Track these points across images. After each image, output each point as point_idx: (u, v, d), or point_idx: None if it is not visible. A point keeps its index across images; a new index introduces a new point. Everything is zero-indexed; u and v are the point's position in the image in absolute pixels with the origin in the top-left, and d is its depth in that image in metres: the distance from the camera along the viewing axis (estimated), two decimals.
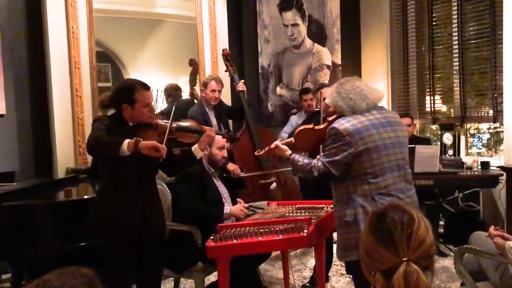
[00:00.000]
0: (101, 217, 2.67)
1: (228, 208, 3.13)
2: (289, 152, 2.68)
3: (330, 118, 2.64)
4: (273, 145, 2.75)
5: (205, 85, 4.29)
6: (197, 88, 4.89)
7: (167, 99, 4.88)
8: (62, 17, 3.99)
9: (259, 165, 4.35)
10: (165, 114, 4.06)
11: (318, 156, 2.58)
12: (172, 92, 4.87)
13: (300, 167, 2.59)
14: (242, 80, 4.44)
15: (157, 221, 2.81)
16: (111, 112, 2.76)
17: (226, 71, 4.49)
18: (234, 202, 3.40)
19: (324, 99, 3.80)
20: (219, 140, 3.26)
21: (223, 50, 4.53)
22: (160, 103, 4.80)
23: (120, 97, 2.62)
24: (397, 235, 1.23)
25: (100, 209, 2.68)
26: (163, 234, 2.90)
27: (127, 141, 2.37)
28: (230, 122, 4.68)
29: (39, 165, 4.02)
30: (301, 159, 2.60)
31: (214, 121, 4.30)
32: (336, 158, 2.44)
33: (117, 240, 2.65)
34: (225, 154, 3.33)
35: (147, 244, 2.73)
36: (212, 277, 3.51)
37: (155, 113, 2.83)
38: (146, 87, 2.65)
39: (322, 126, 2.65)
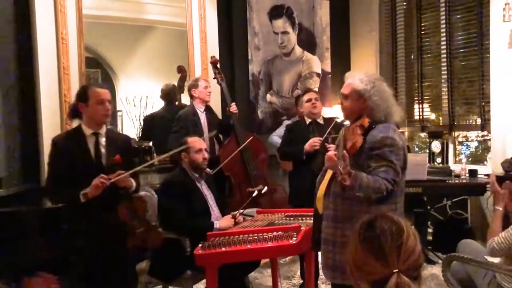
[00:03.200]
0: (66, 231, 2.73)
1: (217, 223, 3.09)
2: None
3: (361, 123, 2.27)
4: (332, 157, 2.15)
5: (195, 86, 4.31)
6: (184, 96, 4.88)
7: (164, 101, 4.80)
8: (51, 22, 3.96)
9: (245, 172, 4.36)
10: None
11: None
12: (169, 94, 4.78)
13: (366, 184, 2.12)
14: (234, 103, 4.44)
15: (119, 232, 2.77)
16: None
17: (214, 78, 4.50)
18: (220, 208, 3.37)
19: (309, 100, 3.83)
20: (195, 144, 3.23)
21: (212, 57, 4.55)
22: (149, 109, 4.78)
23: (77, 98, 2.78)
24: (387, 247, 1.22)
25: (66, 223, 2.75)
26: (126, 244, 2.86)
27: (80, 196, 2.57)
28: None
29: (26, 171, 3.97)
30: (364, 174, 2.14)
31: (204, 123, 4.33)
32: (399, 176, 2.20)
33: (84, 253, 2.65)
34: (206, 156, 3.28)
35: (113, 255, 2.72)
36: (201, 285, 3.48)
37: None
38: (100, 86, 2.83)
39: (360, 132, 2.25)
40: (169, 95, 4.78)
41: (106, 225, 2.69)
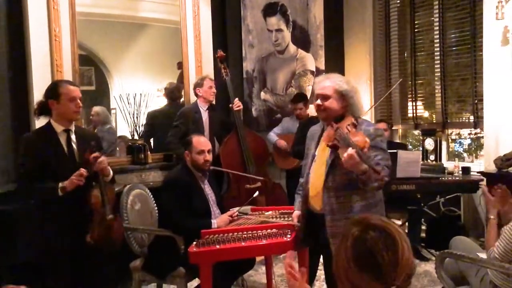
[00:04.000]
0: (40, 227, 2.70)
1: (215, 222, 3.06)
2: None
3: (351, 121, 2.44)
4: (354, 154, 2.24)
5: (200, 84, 4.34)
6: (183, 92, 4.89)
7: (170, 100, 4.86)
8: (44, 19, 3.93)
9: (244, 169, 4.37)
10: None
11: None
12: (173, 93, 4.84)
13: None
14: (237, 98, 4.44)
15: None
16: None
17: (220, 73, 4.51)
18: (220, 206, 3.36)
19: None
20: (197, 144, 3.20)
21: (218, 51, 4.58)
22: (143, 107, 4.76)
23: (47, 94, 2.74)
24: (384, 264, 1.19)
25: (37, 222, 2.72)
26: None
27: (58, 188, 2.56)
28: None
29: (18, 170, 3.94)
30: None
31: (206, 121, 4.34)
32: (390, 161, 2.47)
33: (56, 251, 2.66)
34: (207, 158, 3.21)
35: (87, 252, 2.73)
36: (195, 283, 3.48)
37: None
38: (71, 83, 2.79)
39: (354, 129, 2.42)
40: (173, 93, 4.83)
41: (80, 218, 2.70)
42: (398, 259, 1.19)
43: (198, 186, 3.22)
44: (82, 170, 2.58)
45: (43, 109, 2.75)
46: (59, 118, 2.72)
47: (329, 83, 2.53)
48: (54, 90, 2.71)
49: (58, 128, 2.72)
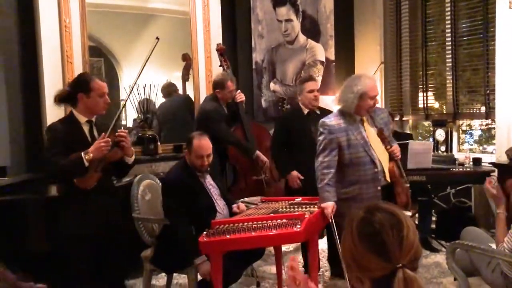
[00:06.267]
0: (63, 217, 2.75)
1: (199, 260, 2.91)
2: None
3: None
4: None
5: (222, 86, 4.17)
6: (189, 83, 4.89)
7: (164, 97, 4.91)
8: (54, 10, 3.95)
9: (251, 161, 4.35)
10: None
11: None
12: (166, 89, 4.89)
13: None
14: (239, 91, 4.38)
15: (114, 217, 2.87)
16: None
17: (220, 65, 4.47)
18: (225, 198, 3.35)
19: (312, 91, 3.89)
20: (198, 148, 3.12)
21: (217, 45, 4.51)
22: (153, 98, 4.78)
23: (77, 86, 2.77)
24: (389, 242, 1.20)
25: (62, 209, 2.77)
26: (121, 230, 2.98)
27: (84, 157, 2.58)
28: None
29: (30, 160, 3.99)
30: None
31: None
32: None
33: (79, 240, 2.69)
34: (205, 163, 3.14)
35: (107, 240, 2.78)
36: None
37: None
38: (101, 79, 2.82)
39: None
40: (170, 87, 4.89)
41: (103, 209, 2.76)
42: (403, 238, 1.21)
43: (199, 183, 3.18)
44: (107, 138, 2.64)
45: (68, 98, 2.79)
46: (85, 111, 2.77)
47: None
48: (85, 84, 2.74)
49: (81, 119, 2.78)
